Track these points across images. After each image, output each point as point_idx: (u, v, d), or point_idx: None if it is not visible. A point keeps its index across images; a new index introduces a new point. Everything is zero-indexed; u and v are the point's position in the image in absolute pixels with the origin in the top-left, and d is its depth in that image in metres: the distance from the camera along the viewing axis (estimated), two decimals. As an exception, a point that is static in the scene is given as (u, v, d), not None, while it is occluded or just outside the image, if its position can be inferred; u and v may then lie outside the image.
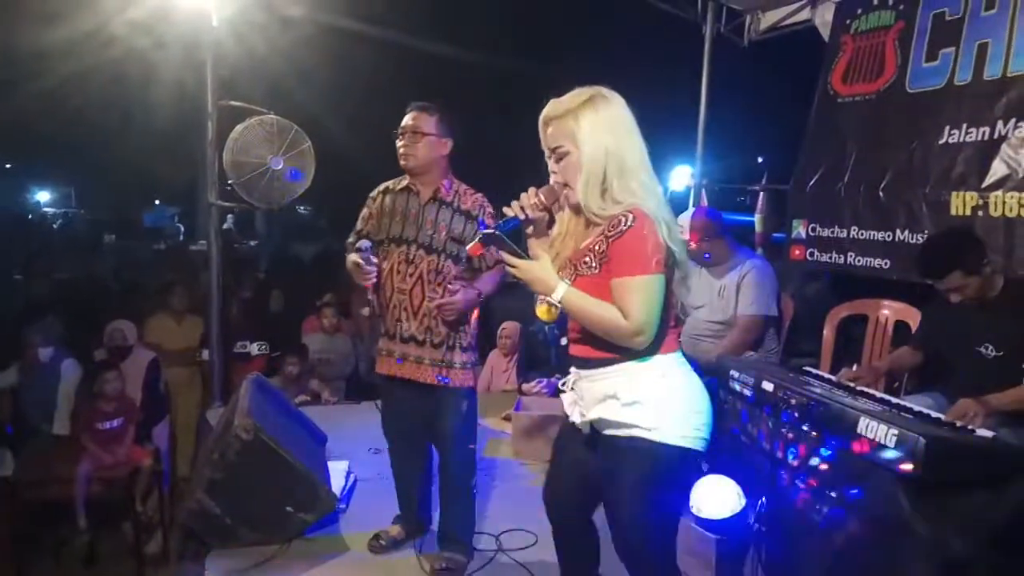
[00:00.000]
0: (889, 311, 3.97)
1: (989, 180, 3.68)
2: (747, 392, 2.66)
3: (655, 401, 1.87)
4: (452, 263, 2.72)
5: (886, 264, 4.21)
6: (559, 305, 1.88)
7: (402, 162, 2.76)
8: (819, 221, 4.65)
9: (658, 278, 1.82)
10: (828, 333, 4.17)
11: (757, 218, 6.13)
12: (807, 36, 5.30)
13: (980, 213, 3.71)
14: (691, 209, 4.62)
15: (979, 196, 3.72)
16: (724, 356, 3.39)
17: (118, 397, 4.57)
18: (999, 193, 3.63)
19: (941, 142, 3.93)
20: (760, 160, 14.90)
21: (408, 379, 2.78)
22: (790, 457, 2.39)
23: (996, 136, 3.67)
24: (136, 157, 18.55)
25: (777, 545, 2.48)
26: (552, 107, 1.93)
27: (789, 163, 5.06)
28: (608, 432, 1.94)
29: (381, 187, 2.91)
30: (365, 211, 2.91)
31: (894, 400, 2.55)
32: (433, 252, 2.72)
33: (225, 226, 6.85)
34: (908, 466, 1.98)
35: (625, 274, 1.81)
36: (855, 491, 2.16)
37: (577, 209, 1.95)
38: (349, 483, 3.50)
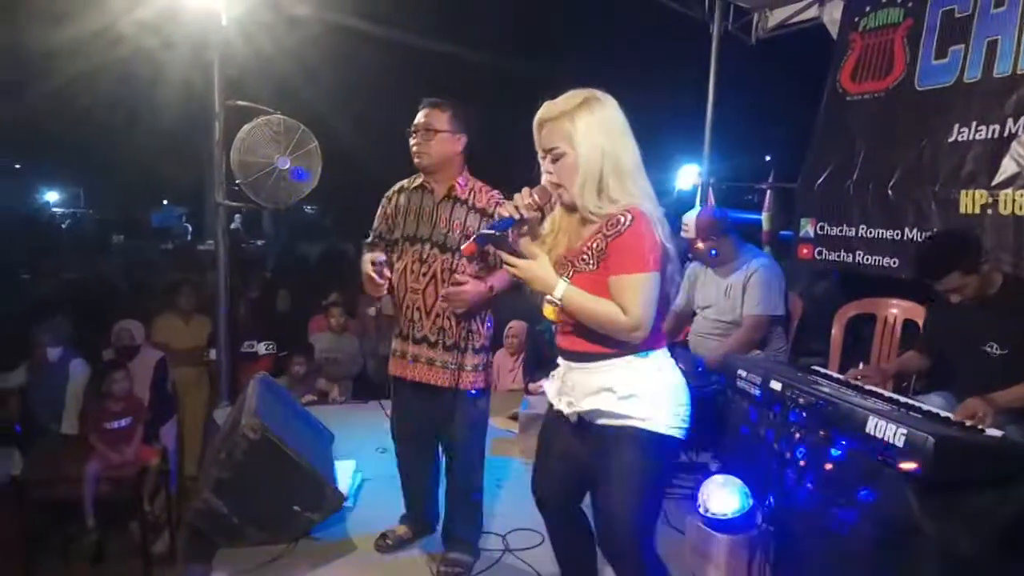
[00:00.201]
0: (898, 310, 3.96)
1: (999, 178, 3.66)
2: (755, 391, 2.66)
3: (651, 394, 1.95)
4: (466, 262, 2.67)
5: (895, 263, 4.19)
6: (559, 302, 1.91)
7: (416, 160, 2.71)
8: (827, 219, 4.63)
9: (655, 275, 1.88)
10: (836, 332, 4.15)
11: (764, 216, 6.09)
12: (815, 34, 5.27)
13: (990, 211, 3.69)
14: (697, 208, 4.59)
15: (989, 194, 3.69)
16: (730, 355, 3.38)
17: (126, 397, 4.58)
18: (1009, 191, 3.60)
19: (950, 140, 3.91)
20: (767, 158, 14.89)
21: (419, 381, 2.76)
22: (798, 456, 2.38)
23: (1006, 134, 3.64)
24: (144, 157, 18.63)
25: (785, 545, 2.48)
26: (547, 109, 1.94)
27: (797, 161, 5.04)
28: (600, 422, 1.99)
29: (396, 186, 2.88)
30: (381, 210, 2.88)
31: (903, 399, 2.54)
32: (447, 251, 2.68)
33: (232, 226, 6.87)
34: (917, 466, 1.97)
35: (624, 271, 1.87)
36: (864, 491, 2.16)
37: (570, 207, 1.98)
38: (356, 482, 3.50)
